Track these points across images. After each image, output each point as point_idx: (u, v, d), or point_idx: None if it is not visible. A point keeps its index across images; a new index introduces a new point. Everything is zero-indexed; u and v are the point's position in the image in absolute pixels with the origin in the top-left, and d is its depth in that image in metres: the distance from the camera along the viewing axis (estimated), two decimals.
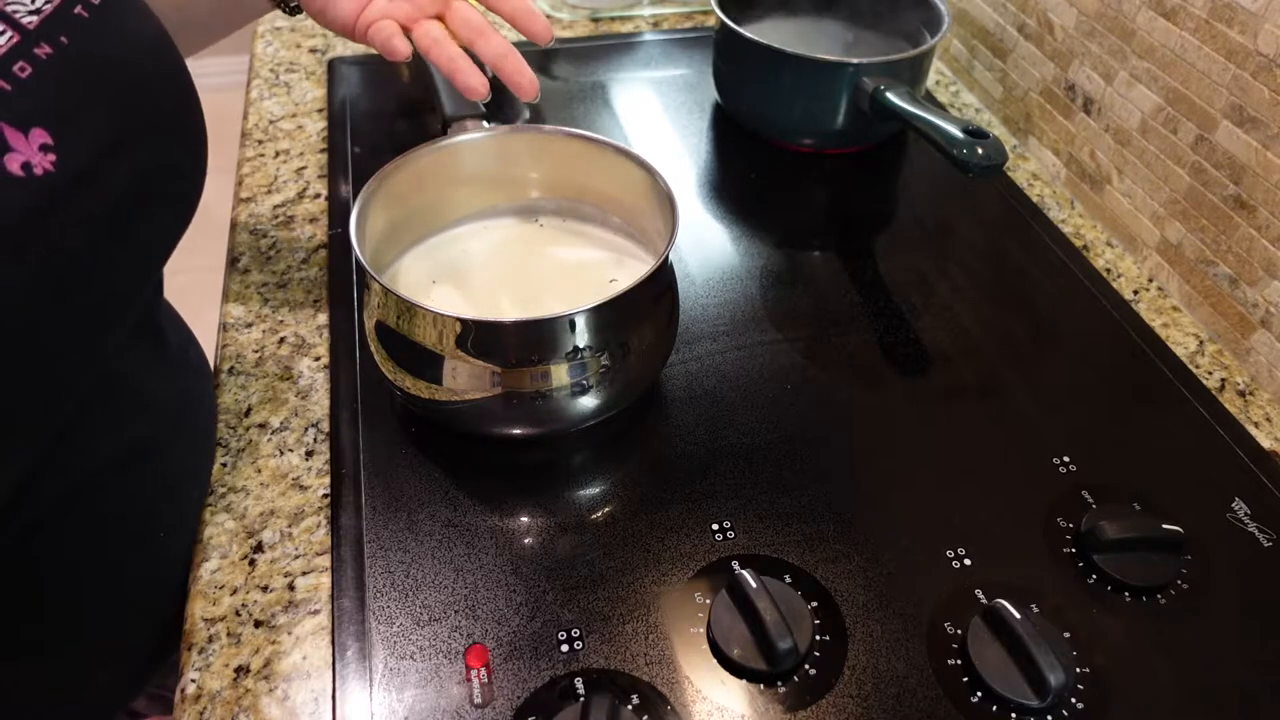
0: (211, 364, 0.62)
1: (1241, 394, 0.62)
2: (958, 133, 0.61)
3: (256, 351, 0.62)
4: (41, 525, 0.47)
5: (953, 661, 0.46)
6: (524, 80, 0.57)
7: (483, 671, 0.45)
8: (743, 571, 0.47)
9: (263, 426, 0.57)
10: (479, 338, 0.48)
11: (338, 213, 0.72)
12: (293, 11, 0.62)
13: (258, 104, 0.85)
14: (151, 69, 0.41)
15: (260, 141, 0.80)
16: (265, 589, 0.49)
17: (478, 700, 0.44)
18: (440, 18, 0.59)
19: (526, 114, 0.85)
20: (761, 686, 0.45)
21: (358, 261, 0.50)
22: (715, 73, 0.84)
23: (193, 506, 0.54)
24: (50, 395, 0.40)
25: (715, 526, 0.52)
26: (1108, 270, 0.71)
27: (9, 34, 0.36)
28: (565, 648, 0.46)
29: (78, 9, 0.38)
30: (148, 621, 0.55)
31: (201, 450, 0.56)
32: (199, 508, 0.53)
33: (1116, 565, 0.50)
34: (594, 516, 0.53)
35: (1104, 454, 0.57)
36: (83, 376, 0.42)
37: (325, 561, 0.50)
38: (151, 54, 0.42)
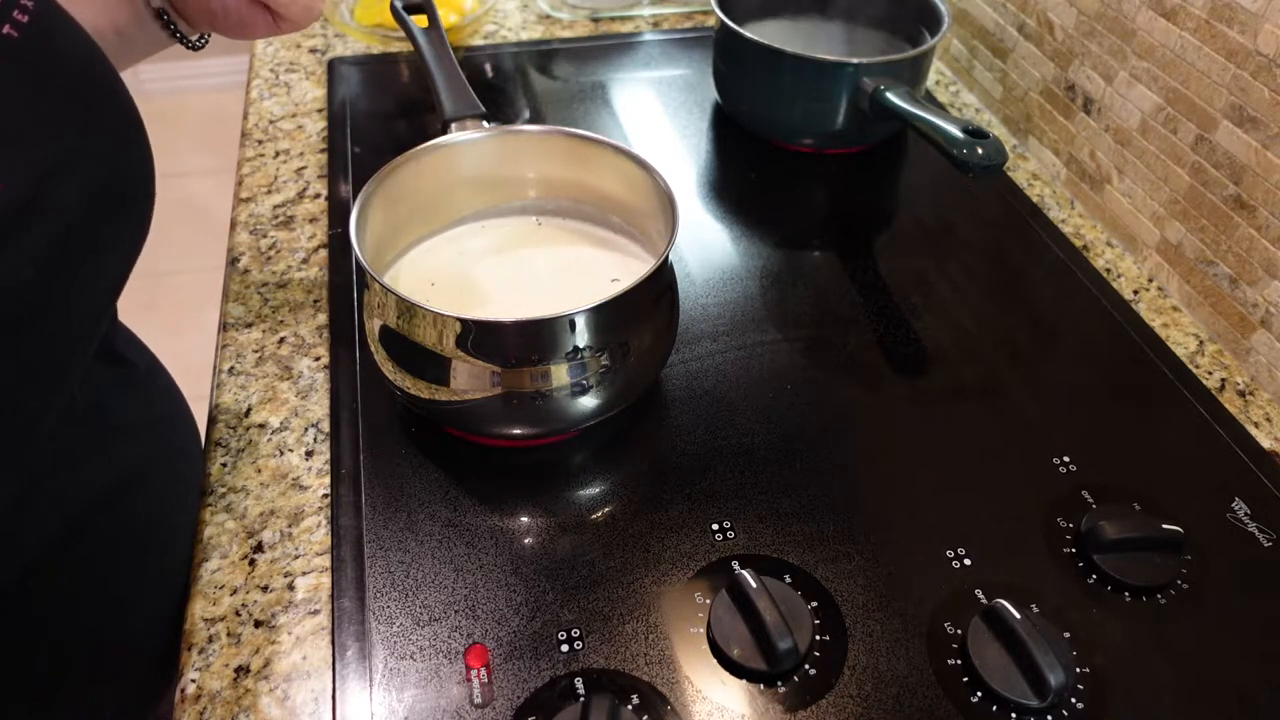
0: (212, 364, 0.62)
1: (1241, 394, 0.62)
2: (958, 133, 0.61)
3: (256, 351, 0.62)
4: (34, 570, 0.47)
5: (953, 661, 0.46)
6: None
7: (483, 671, 0.45)
8: (743, 571, 0.47)
9: (263, 426, 0.57)
10: (479, 338, 0.48)
11: (338, 213, 0.72)
12: (194, 47, 0.59)
13: (258, 104, 0.85)
14: (88, 88, 0.39)
15: (260, 141, 0.80)
16: (265, 589, 0.49)
17: (478, 700, 0.44)
18: None
19: (526, 114, 0.85)
20: (761, 686, 0.45)
21: (358, 261, 0.50)
22: (715, 73, 0.84)
23: (180, 528, 0.53)
24: (16, 432, 0.39)
25: (715, 526, 0.52)
26: (1108, 270, 0.71)
27: None
28: (565, 648, 0.46)
29: (6, 29, 0.36)
30: (147, 649, 0.55)
31: (183, 469, 0.56)
32: (188, 528, 0.53)
33: (1116, 565, 0.50)
34: (594, 516, 0.53)
35: (1104, 454, 0.57)
36: (48, 411, 0.41)
37: (325, 561, 0.50)
38: (86, 72, 0.40)
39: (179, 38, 0.58)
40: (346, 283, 0.66)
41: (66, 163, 0.37)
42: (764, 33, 0.80)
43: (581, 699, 0.43)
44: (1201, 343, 0.66)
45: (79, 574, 0.49)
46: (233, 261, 0.68)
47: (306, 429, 0.57)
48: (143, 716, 0.60)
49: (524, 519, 0.52)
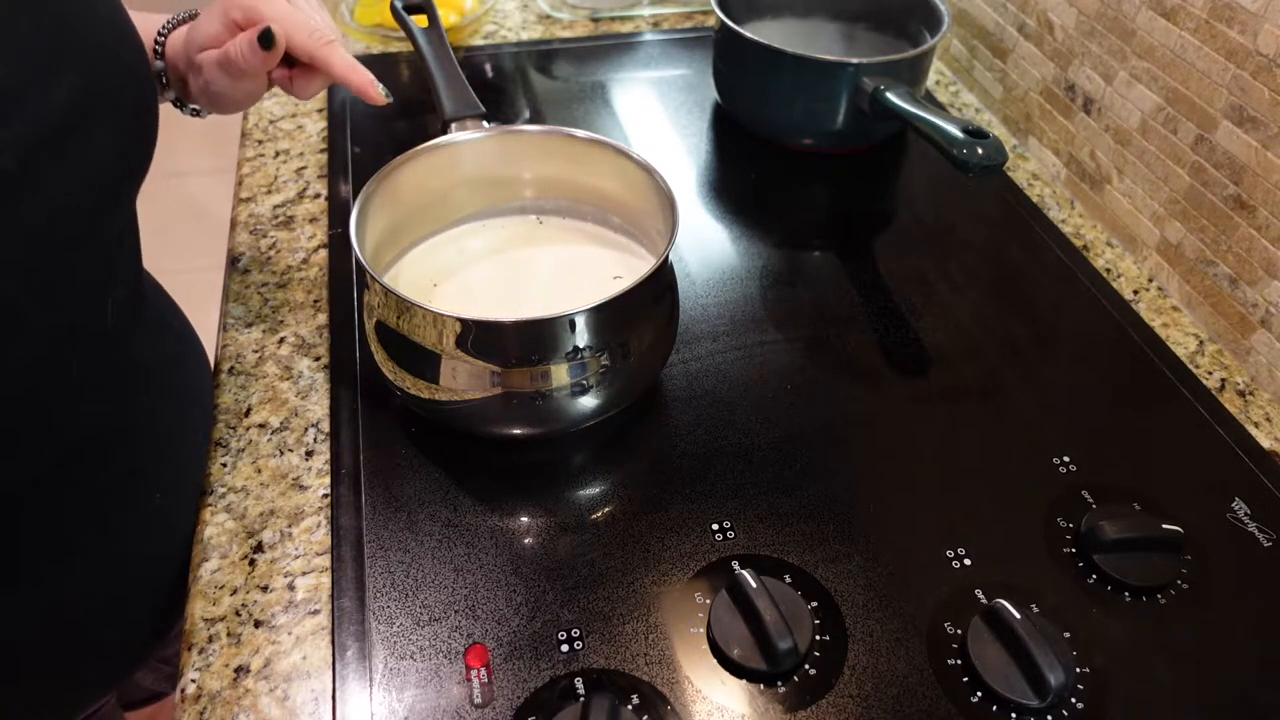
0: (211, 364, 0.62)
1: (1241, 394, 0.62)
2: (958, 133, 0.61)
3: (256, 351, 0.62)
4: (38, 488, 0.47)
5: (953, 661, 0.46)
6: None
7: (483, 671, 0.45)
8: (743, 571, 0.47)
9: (263, 426, 0.57)
10: (479, 338, 0.48)
11: (338, 213, 0.72)
12: (194, 113, 0.61)
13: (258, 104, 0.85)
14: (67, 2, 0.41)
15: (260, 141, 0.80)
16: (265, 589, 0.49)
17: (478, 700, 0.44)
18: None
19: (526, 114, 0.85)
20: (761, 686, 0.45)
21: (358, 261, 0.50)
22: (715, 73, 0.84)
23: (188, 467, 0.54)
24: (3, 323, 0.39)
25: (715, 526, 0.52)
26: (1108, 270, 0.71)
27: None
28: (565, 648, 0.46)
29: None
30: (149, 583, 0.55)
31: (192, 410, 0.57)
32: (196, 468, 0.54)
33: (1116, 565, 0.50)
34: (594, 516, 0.53)
35: (1104, 454, 0.57)
36: (41, 308, 0.41)
37: (325, 561, 0.50)
38: None
39: (177, 103, 0.60)
40: (346, 283, 0.66)
41: (56, 62, 0.38)
42: (764, 33, 0.80)
43: (581, 699, 0.43)
44: (1201, 343, 0.66)
45: (75, 503, 0.50)
46: (233, 261, 0.68)
47: (306, 429, 0.57)
48: (142, 658, 0.61)
49: (524, 519, 0.52)
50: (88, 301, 0.45)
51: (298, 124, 0.82)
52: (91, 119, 0.41)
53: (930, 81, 0.92)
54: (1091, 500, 0.54)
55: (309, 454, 0.56)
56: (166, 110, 0.64)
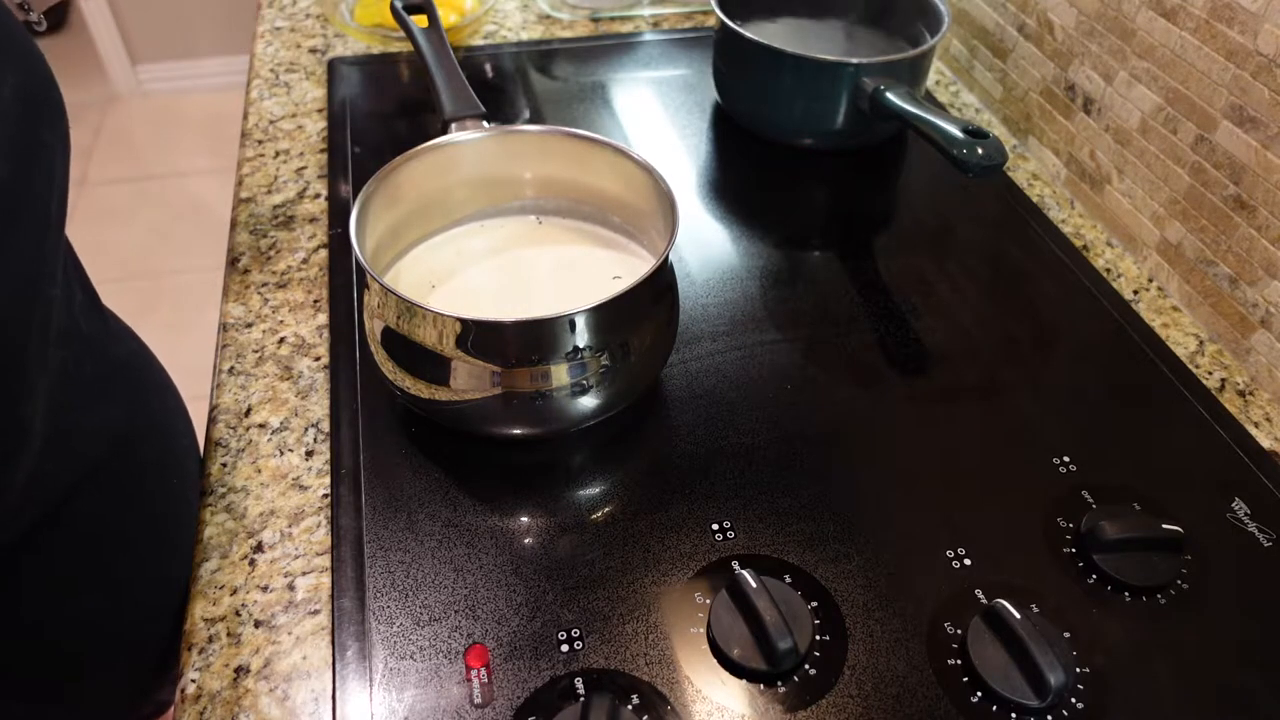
0: (211, 364, 0.62)
1: (1241, 394, 0.62)
2: (958, 133, 0.61)
3: (256, 351, 0.62)
4: (38, 530, 0.47)
5: (953, 661, 0.46)
6: None
7: (483, 671, 0.45)
8: (743, 571, 0.47)
9: (263, 426, 0.57)
10: (479, 338, 0.48)
11: (338, 213, 0.72)
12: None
13: (258, 104, 0.85)
14: None
15: (260, 141, 0.80)
16: (265, 589, 0.49)
17: (478, 700, 0.44)
18: None
19: (526, 114, 0.85)
20: (761, 686, 0.45)
21: (358, 261, 0.50)
22: (715, 73, 0.84)
23: (177, 501, 0.54)
24: (5, 337, 0.41)
25: (715, 526, 0.52)
26: (1108, 270, 0.71)
27: None
28: (565, 648, 0.46)
29: None
30: (149, 628, 0.55)
31: (172, 406, 0.57)
32: (186, 505, 0.54)
33: (1116, 565, 0.50)
34: (594, 516, 0.53)
35: (1104, 454, 0.57)
36: (29, 320, 0.43)
37: (325, 561, 0.50)
38: None
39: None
40: (346, 283, 0.66)
41: (2, 69, 0.41)
42: (764, 33, 0.81)
43: (581, 699, 0.43)
44: (1201, 343, 0.66)
45: (72, 546, 0.50)
46: (233, 261, 0.69)
47: (306, 429, 0.57)
48: (142, 701, 0.61)
49: (524, 519, 0.52)
50: (58, 305, 0.46)
51: (298, 124, 0.82)
52: (36, 122, 0.43)
53: (930, 81, 0.92)
54: (1091, 500, 0.54)
55: (309, 454, 0.56)
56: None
